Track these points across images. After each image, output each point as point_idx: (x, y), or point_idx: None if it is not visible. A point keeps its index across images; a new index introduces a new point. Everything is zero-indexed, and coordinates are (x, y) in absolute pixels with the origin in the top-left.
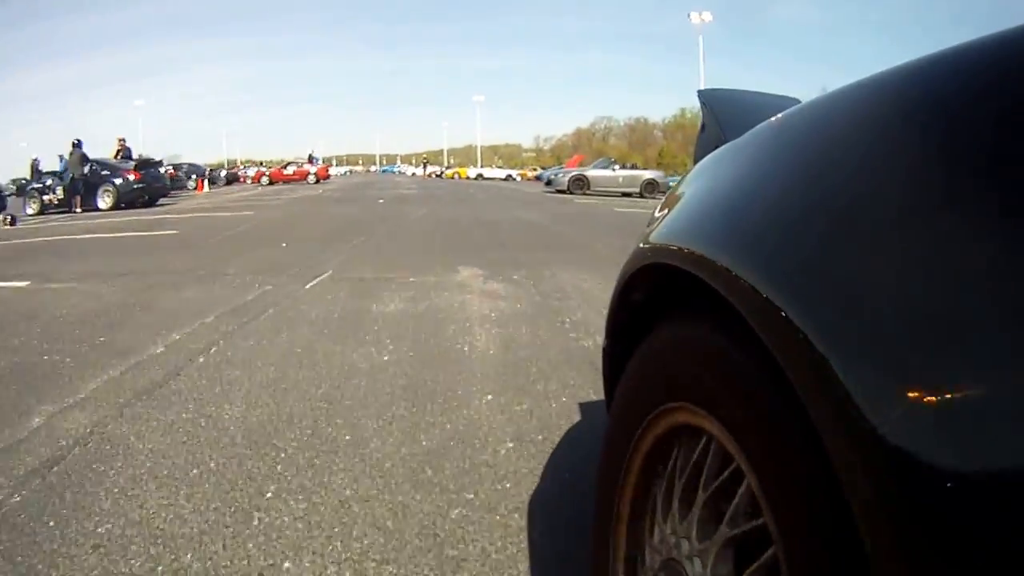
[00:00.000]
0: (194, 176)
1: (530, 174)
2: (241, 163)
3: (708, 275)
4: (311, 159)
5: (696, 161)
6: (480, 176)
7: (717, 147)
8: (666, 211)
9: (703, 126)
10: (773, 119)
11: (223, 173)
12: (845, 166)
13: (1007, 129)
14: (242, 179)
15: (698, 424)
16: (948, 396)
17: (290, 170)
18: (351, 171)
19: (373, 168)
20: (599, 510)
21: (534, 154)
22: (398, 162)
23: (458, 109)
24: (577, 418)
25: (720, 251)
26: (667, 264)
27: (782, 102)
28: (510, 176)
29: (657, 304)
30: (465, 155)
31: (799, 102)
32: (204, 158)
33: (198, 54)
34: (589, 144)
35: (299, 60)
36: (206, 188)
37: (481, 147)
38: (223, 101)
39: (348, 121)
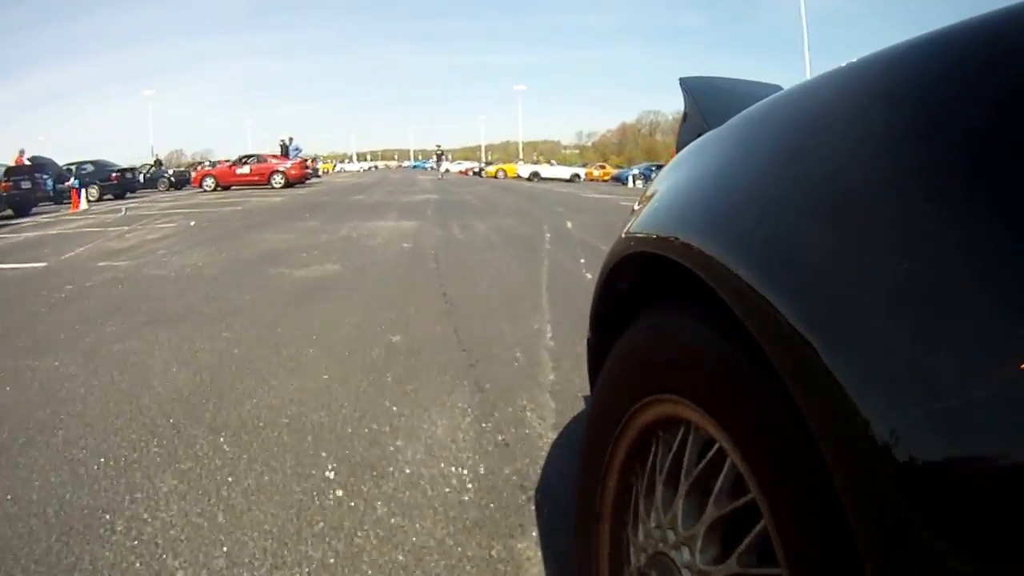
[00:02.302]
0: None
1: (596, 172)
2: (197, 161)
3: (691, 263)
4: (285, 150)
5: (678, 150)
6: (536, 175)
7: (700, 135)
8: (648, 201)
9: (685, 115)
10: (756, 106)
11: (168, 173)
12: (829, 152)
13: (995, 113)
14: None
15: (680, 415)
16: (940, 389)
17: (245, 169)
18: (376, 167)
19: (405, 163)
20: (580, 507)
21: (577, 150)
22: (433, 158)
23: (495, 105)
24: None
25: (703, 239)
26: (649, 253)
27: (765, 89)
28: (576, 176)
29: (640, 295)
30: (503, 151)
31: (782, 88)
32: (233, 152)
33: (231, 49)
34: (635, 141)
35: (333, 55)
36: (83, 205)
37: (521, 143)
38: (255, 96)
39: (384, 116)
